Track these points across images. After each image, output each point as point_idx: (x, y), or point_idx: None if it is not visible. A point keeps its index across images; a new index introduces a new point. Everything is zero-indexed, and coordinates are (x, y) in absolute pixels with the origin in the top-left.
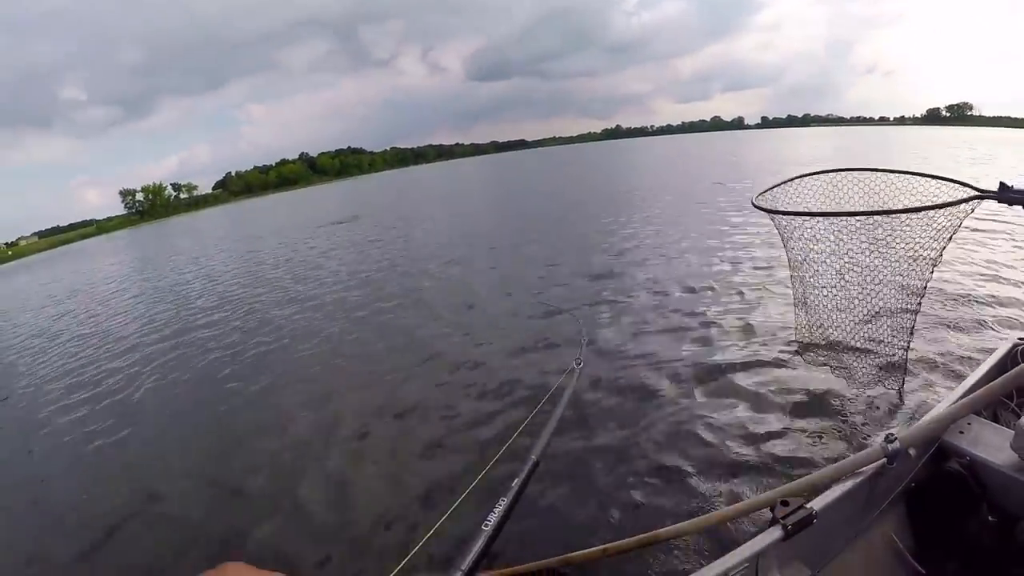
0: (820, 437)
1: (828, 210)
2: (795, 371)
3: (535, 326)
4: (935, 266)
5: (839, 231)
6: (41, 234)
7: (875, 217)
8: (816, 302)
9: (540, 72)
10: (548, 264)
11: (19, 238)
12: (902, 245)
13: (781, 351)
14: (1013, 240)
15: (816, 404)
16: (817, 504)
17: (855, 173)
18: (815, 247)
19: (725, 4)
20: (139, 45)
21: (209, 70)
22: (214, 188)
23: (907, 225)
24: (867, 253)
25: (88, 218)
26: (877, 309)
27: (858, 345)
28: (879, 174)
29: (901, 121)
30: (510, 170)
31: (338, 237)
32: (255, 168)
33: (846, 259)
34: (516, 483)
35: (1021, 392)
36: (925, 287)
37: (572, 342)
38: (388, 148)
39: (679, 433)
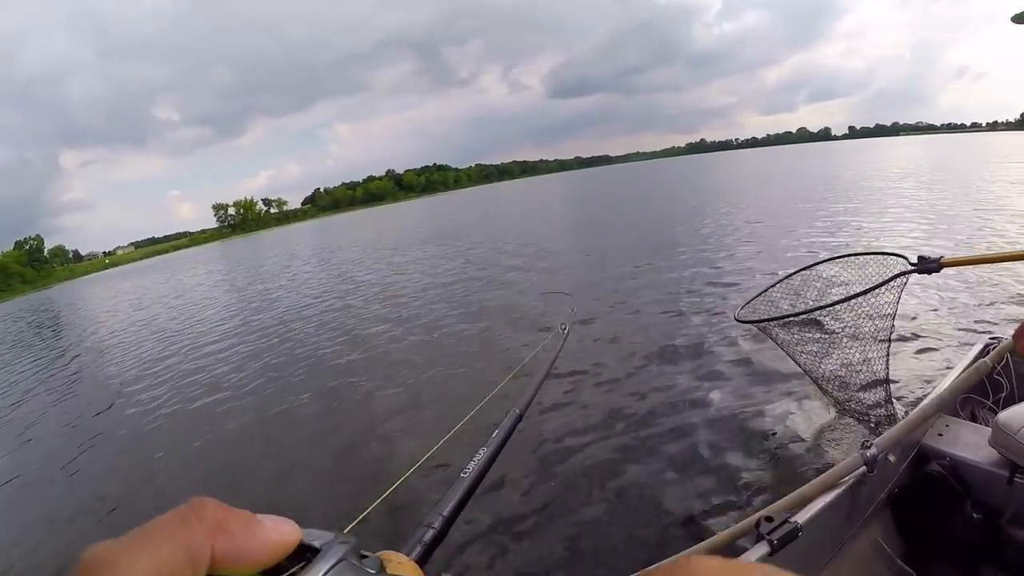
0: (801, 452)
1: (791, 310)
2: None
3: None
4: (892, 323)
5: (808, 322)
6: (137, 244)
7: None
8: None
9: (622, 87)
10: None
11: (116, 248)
12: (861, 322)
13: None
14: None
15: (801, 420)
16: (801, 517)
17: (818, 267)
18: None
19: (807, 12)
20: (230, 68)
21: (298, 91)
22: (303, 203)
23: (856, 306)
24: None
25: (181, 230)
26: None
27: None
28: (837, 260)
29: (994, 126)
30: (597, 186)
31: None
32: (342, 184)
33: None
34: (498, 434)
35: (997, 390)
36: (889, 344)
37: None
38: (473, 165)
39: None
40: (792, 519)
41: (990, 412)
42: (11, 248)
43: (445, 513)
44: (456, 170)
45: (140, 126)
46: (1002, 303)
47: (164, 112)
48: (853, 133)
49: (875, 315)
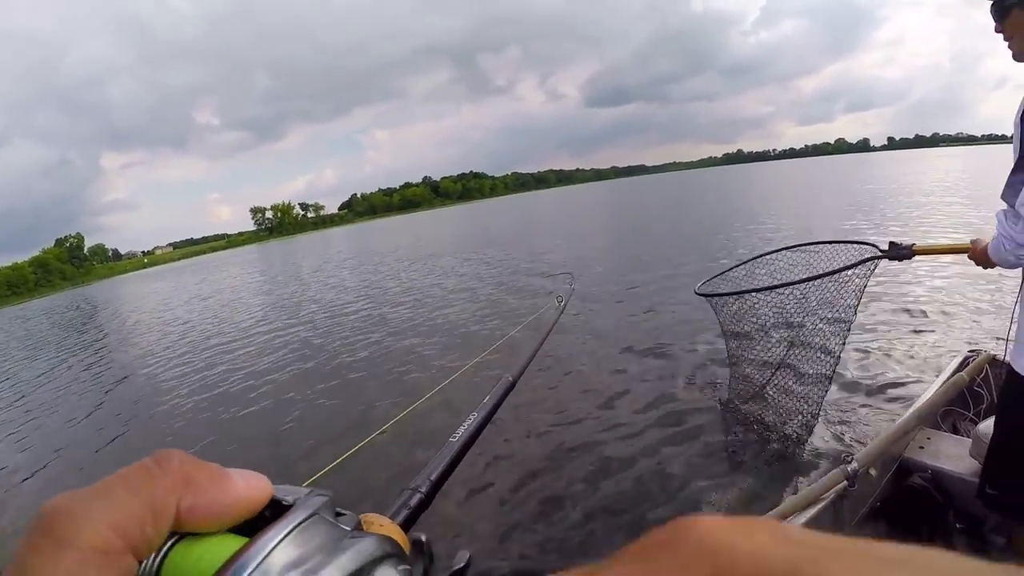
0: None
1: (757, 286)
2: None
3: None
4: (854, 315)
5: (771, 302)
6: (175, 245)
7: (793, 286)
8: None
9: (659, 96)
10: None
11: (155, 248)
12: (822, 308)
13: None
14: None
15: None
16: None
17: (785, 252)
18: (751, 319)
19: (845, 20)
20: (268, 73)
21: (335, 97)
22: (340, 208)
23: (821, 288)
24: (794, 315)
25: (219, 232)
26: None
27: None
28: (807, 247)
29: None
30: (634, 197)
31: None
32: (379, 190)
33: (777, 322)
34: (489, 400)
35: (978, 402)
36: (849, 329)
37: None
38: (509, 173)
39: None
40: None
41: (971, 424)
42: (52, 245)
43: (432, 478)
44: (492, 178)
45: (180, 129)
46: (981, 311)
47: (204, 116)
48: (892, 144)
49: (838, 302)
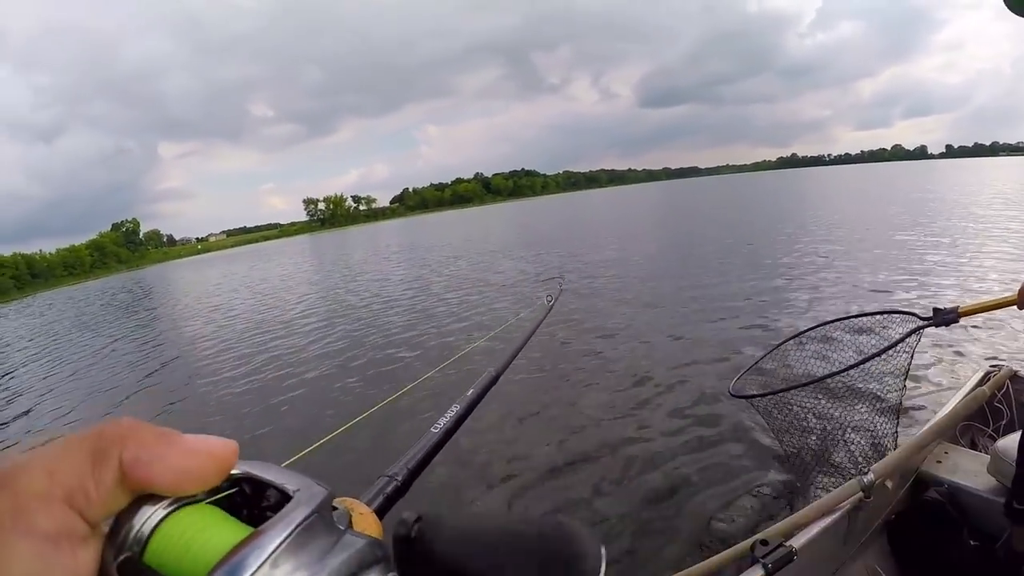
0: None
1: (799, 381)
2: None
3: None
4: (903, 388)
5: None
6: (229, 232)
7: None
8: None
9: (712, 97)
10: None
11: (209, 235)
12: (868, 384)
13: None
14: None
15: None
16: (797, 542)
17: (816, 329)
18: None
19: (904, 23)
20: (320, 68)
21: (387, 93)
22: (391, 202)
23: (865, 371)
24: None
25: (272, 222)
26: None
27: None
28: (844, 322)
29: None
30: (688, 199)
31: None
32: (431, 185)
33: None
34: (472, 392)
35: (998, 418)
36: (900, 405)
37: None
38: (560, 171)
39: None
40: (787, 543)
41: (990, 440)
42: (108, 229)
43: (410, 466)
44: (544, 176)
45: (235, 121)
46: (1006, 331)
47: (258, 108)
48: (950, 152)
49: (884, 379)
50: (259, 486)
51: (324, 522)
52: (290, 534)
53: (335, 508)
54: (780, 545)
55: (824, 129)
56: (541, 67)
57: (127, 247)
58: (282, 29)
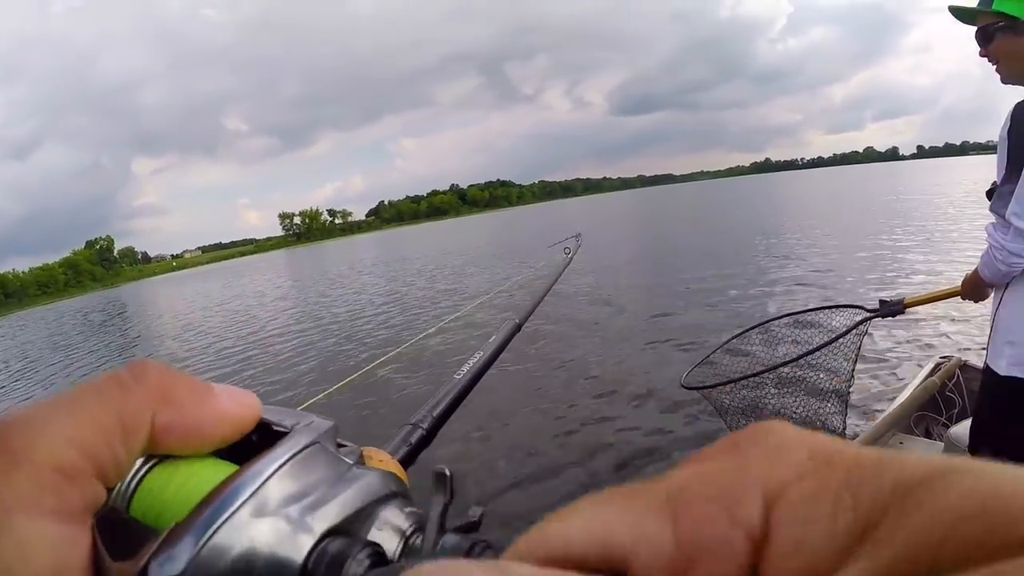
0: None
1: (750, 371)
2: None
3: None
4: (852, 377)
5: (765, 385)
6: (204, 249)
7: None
8: None
9: (686, 104)
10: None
11: (184, 251)
12: (817, 374)
13: None
14: None
15: None
16: None
17: (767, 325)
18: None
19: (872, 27)
20: (297, 80)
21: (364, 104)
22: (367, 215)
23: (816, 360)
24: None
25: (248, 237)
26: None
27: None
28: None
29: None
30: (660, 207)
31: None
32: (407, 197)
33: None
34: (494, 340)
35: (950, 406)
36: (848, 397)
37: None
38: (536, 181)
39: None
40: None
41: (943, 428)
42: (82, 247)
43: (435, 414)
44: (519, 186)
45: (211, 135)
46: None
47: (234, 122)
48: (921, 153)
49: (833, 368)
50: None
51: (326, 455)
52: (287, 460)
53: (343, 445)
54: None
55: (797, 133)
56: (517, 77)
57: (101, 265)
58: (259, 42)
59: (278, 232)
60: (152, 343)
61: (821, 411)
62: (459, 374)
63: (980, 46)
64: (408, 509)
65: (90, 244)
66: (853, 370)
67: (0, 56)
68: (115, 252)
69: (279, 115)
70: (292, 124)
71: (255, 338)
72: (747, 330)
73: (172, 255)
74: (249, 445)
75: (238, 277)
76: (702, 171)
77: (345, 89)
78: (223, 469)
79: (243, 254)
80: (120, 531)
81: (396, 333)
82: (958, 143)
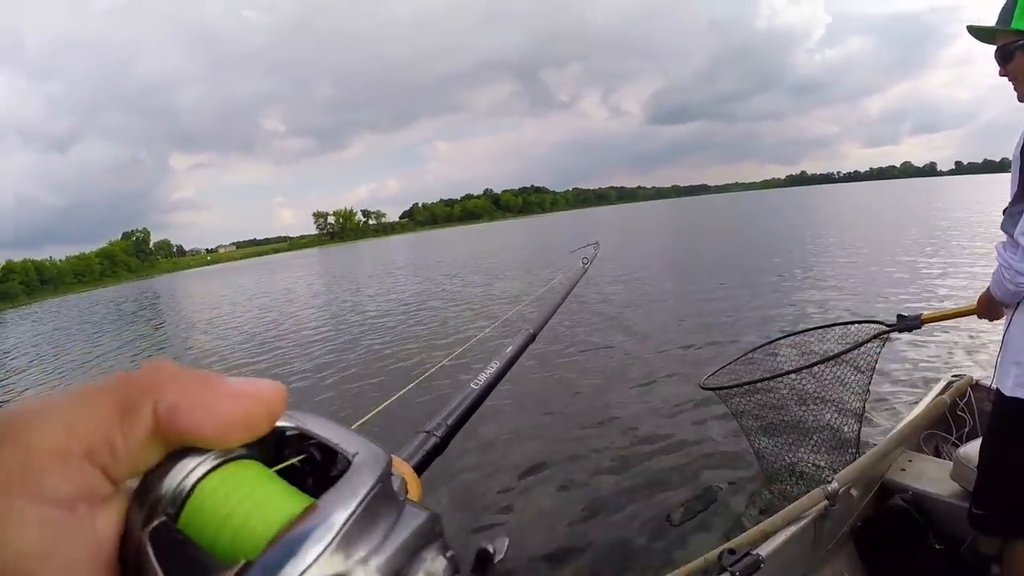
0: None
1: (766, 375)
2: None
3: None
4: (867, 392)
5: (785, 391)
6: (239, 244)
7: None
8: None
9: (721, 114)
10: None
11: (219, 246)
12: (836, 386)
13: None
14: None
15: None
16: (764, 550)
17: (788, 339)
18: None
19: (911, 38)
20: (332, 84)
21: (398, 109)
22: (401, 217)
23: (834, 369)
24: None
25: (282, 235)
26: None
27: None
28: (817, 331)
29: None
30: (697, 218)
31: None
32: (440, 200)
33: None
34: (509, 351)
35: (960, 425)
36: (863, 410)
37: None
38: (570, 188)
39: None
40: (755, 551)
41: (953, 447)
42: (119, 238)
43: (449, 422)
44: (553, 193)
45: (248, 134)
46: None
47: (271, 122)
48: (960, 169)
49: (849, 381)
50: (307, 443)
51: (386, 493)
52: (357, 508)
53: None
54: (748, 554)
55: (833, 146)
56: (552, 84)
57: (137, 256)
58: (296, 45)
59: (312, 231)
60: (180, 334)
61: (834, 422)
62: (475, 384)
63: (999, 65)
64: (449, 554)
65: (127, 236)
66: (869, 383)
67: (40, 54)
68: (151, 244)
69: (316, 117)
70: (328, 126)
71: (287, 337)
72: (769, 342)
73: (207, 249)
74: (284, 443)
75: (270, 273)
76: (736, 182)
77: (380, 93)
78: (293, 499)
79: (277, 251)
80: (174, 550)
81: (431, 340)
82: (998, 160)
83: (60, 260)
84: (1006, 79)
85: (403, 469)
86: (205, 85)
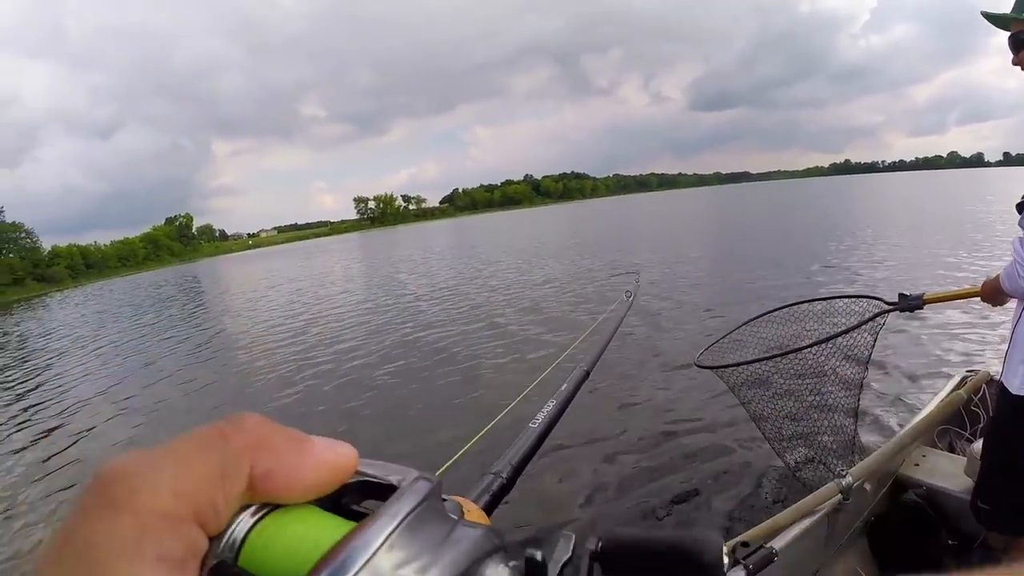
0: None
1: (765, 354)
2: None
3: None
4: (866, 369)
5: (779, 369)
6: (280, 229)
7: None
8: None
9: (763, 101)
10: None
11: (260, 231)
12: (833, 364)
13: None
14: None
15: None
16: (778, 543)
17: (785, 309)
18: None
19: (959, 25)
20: (371, 69)
21: (437, 94)
22: (441, 202)
23: (830, 348)
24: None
25: (323, 219)
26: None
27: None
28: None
29: None
30: (744, 209)
31: None
32: (480, 186)
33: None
34: (565, 388)
35: (974, 421)
36: (862, 385)
37: None
38: (611, 175)
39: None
40: (768, 545)
41: (967, 442)
42: (162, 223)
43: (514, 462)
44: (593, 179)
45: (287, 120)
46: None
47: (310, 108)
48: (1008, 160)
49: (849, 358)
50: (362, 484)
51: (435, 512)
52: (398, 525)
53: (444, 500)
54: (761, 547)
55: (877, 135)
56: (591, 69)
57: (180, 241)
58: (335, 31)
59: (352, 215)
60: (219, 317)
61: (829, 402)
62: (534, 423)
63: (1012, 53)
64: (512, 563)
65: (170, 221)
66: (867, 364)
67: (83, 42)
68: (193, 229)
69: (354, 103)
70: (367, 111)
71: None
72: (765, 313)
73: (248, 234)
74: (347, 494)
75: (309, 257)
76: (779, 170)
77: (419, 78)
78: (336, 524)
79: (317, 235)
80: None
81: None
82: None
83: (104, 245)
84: (1019, 68)
85: (469, 507)
86: (244, 72)
